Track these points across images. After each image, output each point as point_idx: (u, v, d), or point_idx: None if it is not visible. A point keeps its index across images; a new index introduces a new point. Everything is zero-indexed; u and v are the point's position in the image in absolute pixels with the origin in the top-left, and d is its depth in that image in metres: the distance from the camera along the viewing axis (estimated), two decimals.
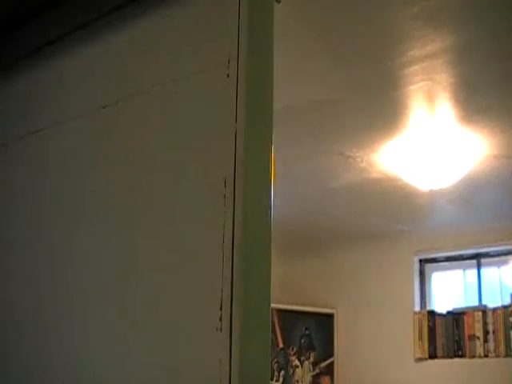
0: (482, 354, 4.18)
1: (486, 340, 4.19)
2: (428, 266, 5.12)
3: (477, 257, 4.91)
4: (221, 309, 0.90)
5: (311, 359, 4.91)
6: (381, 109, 2.99)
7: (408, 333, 4.45)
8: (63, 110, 1.28)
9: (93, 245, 1.14)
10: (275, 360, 5.03)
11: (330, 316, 5.04)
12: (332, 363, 4.84)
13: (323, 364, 4.86)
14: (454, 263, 5.06)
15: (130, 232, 1.08)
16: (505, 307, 4.21)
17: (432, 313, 4.49)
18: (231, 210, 0.93)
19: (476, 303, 4.61)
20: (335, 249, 5.03)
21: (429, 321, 4.44)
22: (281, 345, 5.12)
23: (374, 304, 4.64)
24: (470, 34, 2.41)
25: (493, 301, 4.54)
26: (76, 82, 1.27)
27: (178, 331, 0.96)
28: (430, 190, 3.72)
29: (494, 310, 4.23)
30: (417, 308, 4.67)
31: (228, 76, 0.99)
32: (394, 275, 4.62)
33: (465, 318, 4.31)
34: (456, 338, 4.30)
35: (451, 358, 4.27)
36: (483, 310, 4.26)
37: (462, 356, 4.25)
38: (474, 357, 4.20)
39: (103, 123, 1.19)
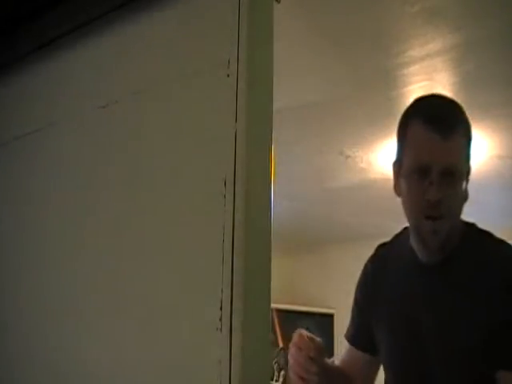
0: None
1: None
2: None
3: None
4: (221, 309, 0.90)
5: None
6: (380, 108, 2.99)
7: None
8: (62, 110, 1.28)
9: (90, 244, 1.14)
10: (275, 360, 5.02)
11: (330, 316, 5.04)
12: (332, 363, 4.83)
13: None
14: None
15: (128, 232, 1.08)
16: None
17: None
18: (231, 210, 0.93)
19: None
20: (335, 249, 5.03)
21: None
22: (281, 345, 5.12)
23: None
24: (471, 32, 2.41)
25: None
26: (76, 82, 1.27)
27: (177, 331, 0.96)
28: None
29: None
30: None
31: (228, 76, 0.99)
32: None
33: None
34: None
35: None
36: None
37: None
38: None
39: (102, 123, 1.19)
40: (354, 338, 1.56)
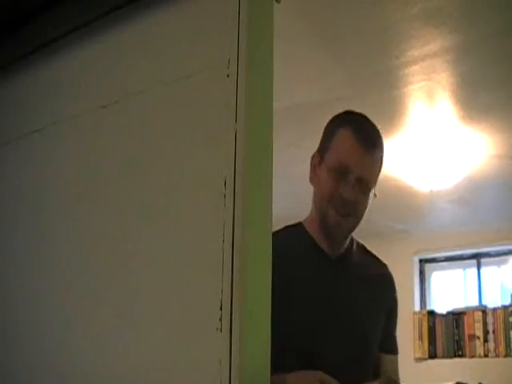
0: (482, 354, 4.18)
1: (486, 340, 4.20)
2: (428, 266, 5.12)
3: (477, 257, 4.91)
4: (221, 309, 0.90)
5: None
6: (381, 108, 2.99)
7: (408, 333, 4.45)
8: (63, 110, 1.28)
9: (92, 245, 1.14)
10: None
11: None
12: None
13: None
14: (454, 263, 5.06)
15: (129, 232, 1.08)
16: (505, 307, 4.21)
17: (432, 313, 4.49)
18: (231, 210, 0.93)
19: (476, 303, 4.61)
20: None
21: (429, 321, 4.44)
22: None
23: None
24: (470, 33, 2.41)
25: (493, 301, 4.54)
26: (76, 82, 1.27)
27: (177, 331, 0.96)
28: (431, 191, 3.72)
29: (494, 309, 4.23)
30: (417, 308, 4.67)
31: (228, 76, 0.99)
32: (394, 275, 4.61)
33: (465, 317, 4.31)
34: (456, 338, 4.31)
35: (451, 358, 4.28)
36: (483, 310, 4.27)
37: (462, 356, 4.25)
38: (473, 357, 4.20)
39: (103, 123, 1.19)
40: None
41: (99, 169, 1.17)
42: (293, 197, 4.16)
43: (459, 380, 1.49)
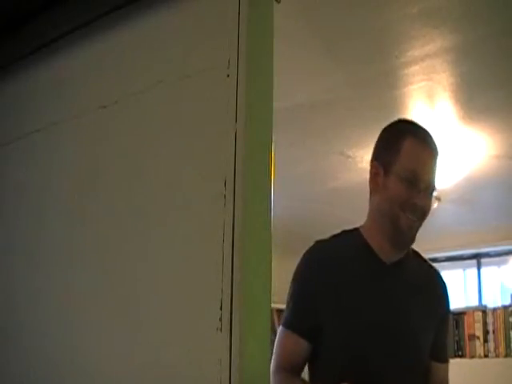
0: (482, 354, 4.17)
1: (486, 340, 4.19)
2: None
3: (477, 257, 4.91)
4: (221, 309, 0.90)
5: None
6: (381, 108, 2.99)
7: None
8: (63, 110, 1.28)
9: (93, 245, 1.14)
10: None
11: None
12: None
13: None
14: (454, 263, 5.07)
15: (129, 232, 1.08)
16: (505, 307, 4.21)
17: None
18: (231, 209, 0.93)
19: (476, 303, 4.61)
20: None
21: None
22: None
23: None
24: (470, 33, 2.41)
25: (493, 301, 4.54)
26: (76, 82, 1.27)
27: (177, 331, 0.96)
28: None
29: (494, 309, 4.23)
30: None
31: (228, 76, 0.99)
32: None
33: (465, 317, 4.30)
34: (456, 338, 4.30)
35: (451, 357, 4.27)
36: (483, 310, 4.26)
37: (462, 356, 4.24)
38: (473, 357, 4.19)
39: (103, 123, 1.19)
40: (297, 324, 1.57)
41: (99, 169, 1.17)
42: (293, 197, 4.16)
43: None
